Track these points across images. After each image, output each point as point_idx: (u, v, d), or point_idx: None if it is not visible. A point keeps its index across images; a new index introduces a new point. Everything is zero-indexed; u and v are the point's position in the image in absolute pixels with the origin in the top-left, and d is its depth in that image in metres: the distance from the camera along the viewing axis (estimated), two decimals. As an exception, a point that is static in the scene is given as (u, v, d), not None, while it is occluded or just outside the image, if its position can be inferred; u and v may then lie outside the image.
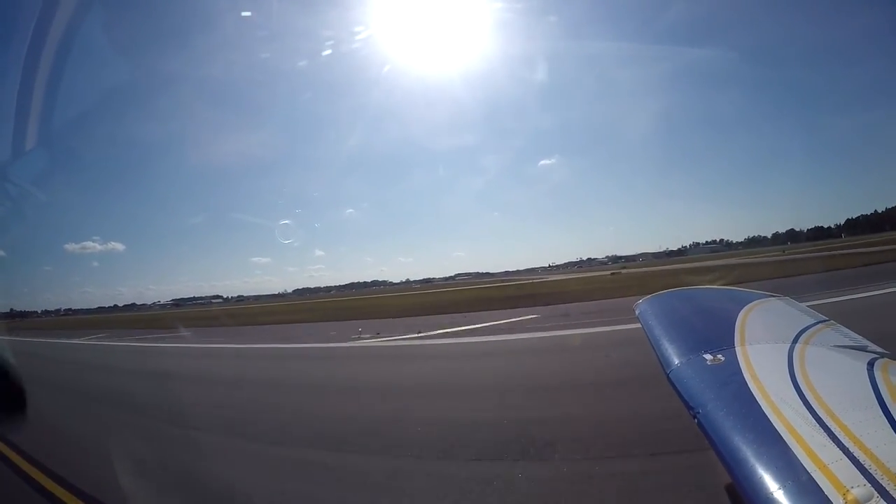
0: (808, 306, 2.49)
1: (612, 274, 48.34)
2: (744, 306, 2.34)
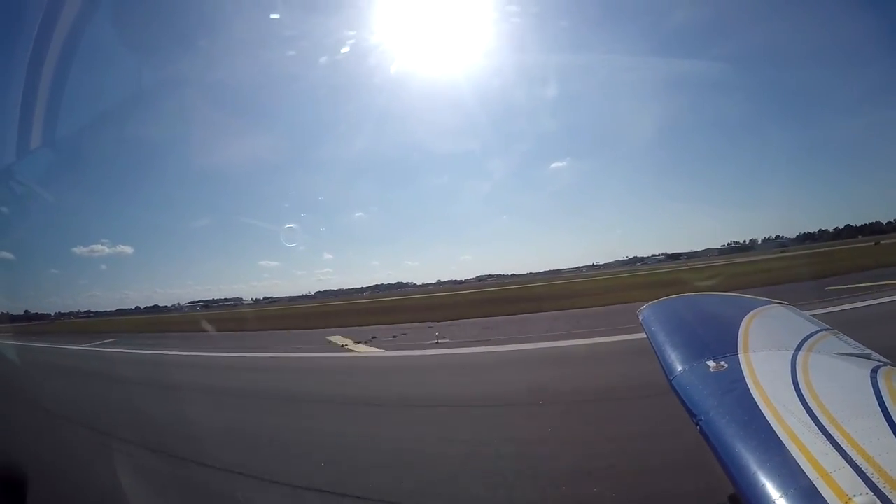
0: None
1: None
2: (747, 313, 2.33)
